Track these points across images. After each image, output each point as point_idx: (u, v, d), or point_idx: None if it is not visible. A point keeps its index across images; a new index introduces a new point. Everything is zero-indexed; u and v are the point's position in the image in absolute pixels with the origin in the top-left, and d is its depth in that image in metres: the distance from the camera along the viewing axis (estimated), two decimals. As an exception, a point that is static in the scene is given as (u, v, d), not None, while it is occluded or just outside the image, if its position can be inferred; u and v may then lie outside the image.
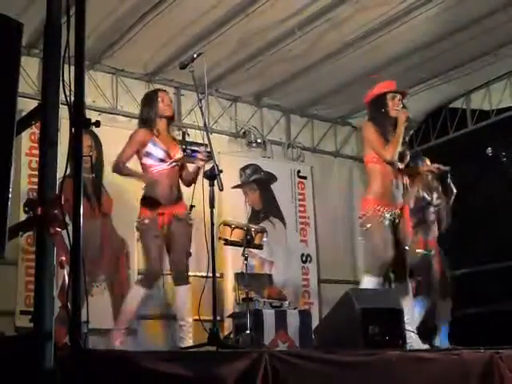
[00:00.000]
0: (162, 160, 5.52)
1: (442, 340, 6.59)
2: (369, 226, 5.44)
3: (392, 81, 5.81)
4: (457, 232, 7.01)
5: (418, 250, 6.84)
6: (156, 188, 5.49)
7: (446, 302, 6.76)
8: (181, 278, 5.54)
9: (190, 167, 5.66)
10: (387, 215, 5.42)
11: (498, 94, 8.53)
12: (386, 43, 7.37)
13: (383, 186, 5.47)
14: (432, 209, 7.06)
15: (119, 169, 5.55)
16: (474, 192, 8.20)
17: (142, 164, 5.58)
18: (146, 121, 5.61)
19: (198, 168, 5.54)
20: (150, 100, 5.70)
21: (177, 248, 5.55)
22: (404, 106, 5.65)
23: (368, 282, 5.41)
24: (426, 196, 7.06)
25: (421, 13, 6.82)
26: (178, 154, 5.61)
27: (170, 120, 5.76)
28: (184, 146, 8.04)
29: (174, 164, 5.58)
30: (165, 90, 5.99)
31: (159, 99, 5.64)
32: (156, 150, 5.51)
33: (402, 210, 5.55)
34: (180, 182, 5.71)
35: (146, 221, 5.42)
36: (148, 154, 5.51)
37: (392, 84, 5.76)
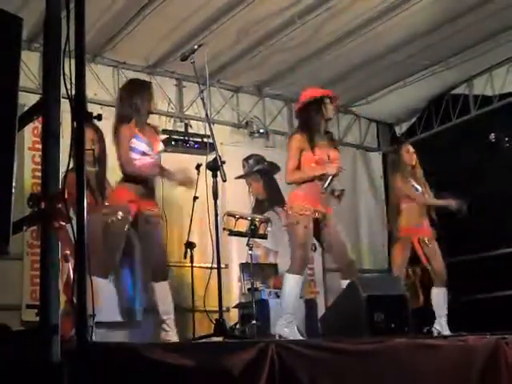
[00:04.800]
0: (145, 154, 5.34)
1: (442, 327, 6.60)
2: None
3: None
4: (457, 218, 6.98)
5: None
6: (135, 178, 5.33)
7: (442, 290, 6.76)
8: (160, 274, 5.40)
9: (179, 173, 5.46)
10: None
11: (501, 79, 8.50)
12: (386, 31, 7.34)
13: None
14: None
15: (133, 167, 5.32)
16: (476, 178, 8.19)
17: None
18: (134, 111, 5.33)
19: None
20: (142, 91, 5.43)
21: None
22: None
23: None
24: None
25: (420, 0, 6.80)
26: (159, 147, 5.49)
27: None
28: (186, 138, 8.09)
29: (156, 157, 5.44)
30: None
31: (152, 95, 5.47)
32: (140, 144, 5.32)
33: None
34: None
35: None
36: (131, 149, 5.30)
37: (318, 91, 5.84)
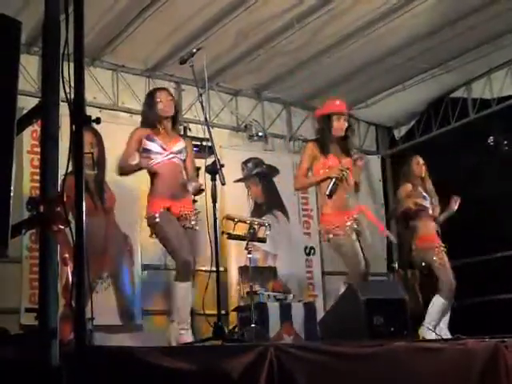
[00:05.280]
0: (158, 153, 5.48)
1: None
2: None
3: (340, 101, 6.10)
4: (457, 222, 6.99)
5: None
6: (160, 182, 5.49)
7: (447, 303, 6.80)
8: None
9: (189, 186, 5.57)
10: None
11: (499, 82, 8.50)
12: (385, 34, 7.35)
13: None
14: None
15: (122, 169, 5.53)
16: (475, 181, 8.19)
17: (140, 160, 5.47)
18: (148, 122, 5.61)
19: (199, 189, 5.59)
20: (148, 101, 5.67)
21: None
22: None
23: None
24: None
25: (420, 3, 6.80)
26: (176, 147, 5.57)
27: (175, 117, 5.71)
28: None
29: (170, 156, 5.53)
30: (164, 88, 5.91)
31: (157, 100, 5.58)
32: (152, 144, 5.47)
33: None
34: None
35: (157, 215, 5.39)
36: (146, 151, 5.47)
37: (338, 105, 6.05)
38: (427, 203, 7.02)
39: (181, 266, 5.33)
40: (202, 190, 5.51)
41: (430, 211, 7.04)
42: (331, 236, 5.78)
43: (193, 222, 5.52)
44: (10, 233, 2.53)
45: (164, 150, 5.49)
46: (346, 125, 5.95)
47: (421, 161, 7.18)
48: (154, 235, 5.52)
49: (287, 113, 9.40)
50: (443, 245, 6.94)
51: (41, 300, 2.54)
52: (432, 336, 6.33)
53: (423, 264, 7.02)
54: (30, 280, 6.62)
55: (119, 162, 5.54)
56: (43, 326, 2.47)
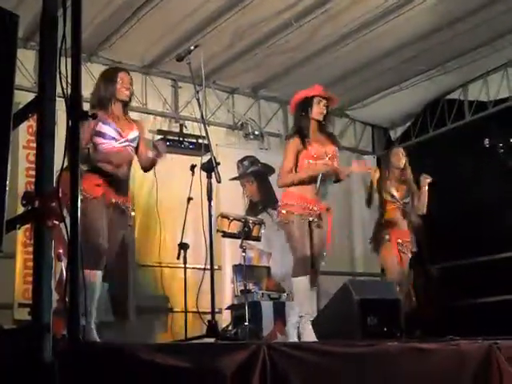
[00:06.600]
0: (113, 138, 5.03)
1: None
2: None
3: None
4: (452, 224, 7.00)
5: None
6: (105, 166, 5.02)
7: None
8: None
9: (150, 153, 5.22)
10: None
11: (496, 85, 8.52)
12: (382, 35, 7.36)
13: None
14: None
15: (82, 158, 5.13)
16: (470, 183, 8.20)
17: (92, 143, 5.02)
18: (100, 101, 5.10)
19: (154, 159, 5.20)
20: (108, 79, 5.19)
21: None
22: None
23: None
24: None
25: (418, 4, 6.81)
26: (131, 134, 5.15)
27: (126, 104, 5.28)
28: (181, 139, 8.10)
29: (125, 144, 5.09)
30: (126, 70, 5.47)
31: (118, 80, 5.15)
32: (107, 128, 5.01)
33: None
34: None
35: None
36: (98, 133, 4.99)
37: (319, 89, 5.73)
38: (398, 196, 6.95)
39: None
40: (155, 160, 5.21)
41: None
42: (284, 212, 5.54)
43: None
44: (4, 228, 2.53)
45: (120, 136, 5.07)
46: (325, 111, 5.65)
47: (400, 152, 7.07)
48: None
49: (283, 112, 9.41)
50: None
51: (34, 295, 2.54)
52: None
53: None
54: (24, 275, 6.62)
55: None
56: (37, 322, 2.47)
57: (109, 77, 5.20)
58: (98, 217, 4.80)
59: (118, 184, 5.00)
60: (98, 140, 4.99)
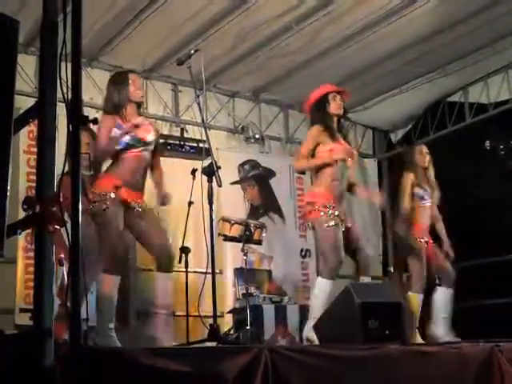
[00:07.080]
0: (128, 144, 4.94)
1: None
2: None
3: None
4: (453, 226, 6.98)
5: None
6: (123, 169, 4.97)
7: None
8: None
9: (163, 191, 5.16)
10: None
11: (496, 87, 8.51)
12: (383, 37, 7.35)
13: None
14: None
15: (97, 159, 5.11)
16: (471, 185, 8.20)
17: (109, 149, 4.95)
18: (115, 106, 5.04)
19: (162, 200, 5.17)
20: (120, 82, 5.12)
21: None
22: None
23: None
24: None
25: (419, 6, 6.80)
26: (149, 137, 5.07)
27: (140, 105, 5.23)
28: (182, 143, 8.09)
29: (142, 147, 4.99)
30: (137, 73, 5.50)
31: (130, 82, 5.09)
32: (122, 133, 4.91)
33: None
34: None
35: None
36: (115, 139, 4.89)
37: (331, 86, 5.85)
38: (426, 195, 6.86)
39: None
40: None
41: (429, 203, 6.87)
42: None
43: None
44: (5, 233, 2.53)
45: (137, 140, 4.98)
46: (342, 106, 5.75)
47: (424, 150, 6.98)
48: None
49: (284, 115, 9.41)
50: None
51: (36, 300, 2.54)
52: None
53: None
54: (25, 280, 6.62)
55: (94, 154, 5.13)
56: (38, 326, 2.47)
57: (120, 80, 5.16)
58: (118, 217, 4.81)
59: (135, 187, 4.98)
60: (115, 146, 4.91)
